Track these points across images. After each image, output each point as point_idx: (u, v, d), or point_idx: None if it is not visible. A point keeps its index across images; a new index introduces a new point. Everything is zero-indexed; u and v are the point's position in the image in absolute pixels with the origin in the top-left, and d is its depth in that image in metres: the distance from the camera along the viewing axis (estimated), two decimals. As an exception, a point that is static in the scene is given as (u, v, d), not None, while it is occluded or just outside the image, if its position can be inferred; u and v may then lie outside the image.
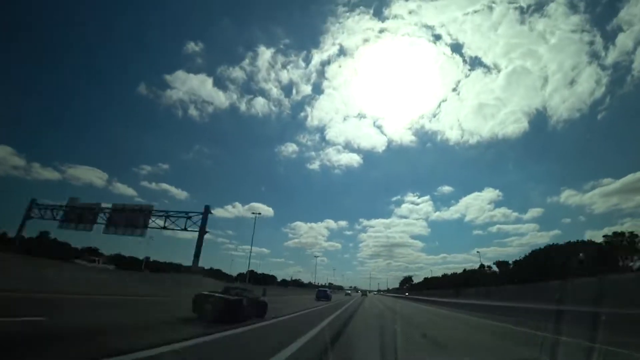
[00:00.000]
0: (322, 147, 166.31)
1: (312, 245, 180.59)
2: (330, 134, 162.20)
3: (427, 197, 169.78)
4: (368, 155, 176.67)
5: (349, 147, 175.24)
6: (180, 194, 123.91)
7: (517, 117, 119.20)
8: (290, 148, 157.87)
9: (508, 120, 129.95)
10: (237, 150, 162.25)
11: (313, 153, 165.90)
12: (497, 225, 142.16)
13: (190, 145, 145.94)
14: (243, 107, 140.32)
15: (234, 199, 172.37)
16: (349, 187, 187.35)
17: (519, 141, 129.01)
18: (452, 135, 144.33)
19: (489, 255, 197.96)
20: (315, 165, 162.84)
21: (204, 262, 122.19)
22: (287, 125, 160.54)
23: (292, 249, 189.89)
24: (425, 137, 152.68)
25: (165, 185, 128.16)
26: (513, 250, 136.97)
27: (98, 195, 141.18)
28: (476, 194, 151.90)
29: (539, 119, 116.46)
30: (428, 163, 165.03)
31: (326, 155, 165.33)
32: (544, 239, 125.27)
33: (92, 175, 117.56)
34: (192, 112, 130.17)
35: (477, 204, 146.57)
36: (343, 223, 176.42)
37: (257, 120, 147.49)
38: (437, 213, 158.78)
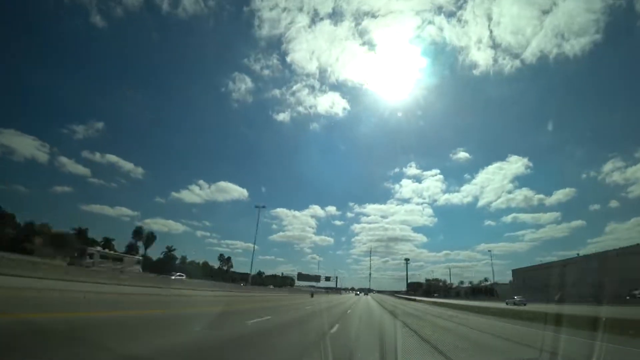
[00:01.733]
0: (287, 79, 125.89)
1: (300, 240, 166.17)
2: (293, 55, 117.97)
3: (434, 171, 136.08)
4: (355, 96, 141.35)
5: (325, 79, 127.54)
6: (134, 170, 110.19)
7: (586, 21, 73.47)
8: (242, 84, 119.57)
9: (572, 27, 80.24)
10: (174, 91, 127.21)
11: (276, 92, 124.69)
12: (513, 213, 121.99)
13: (114, 88, 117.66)
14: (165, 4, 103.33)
15: (196, 174, 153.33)
16: (334, 152, 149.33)
17: (580, 66, 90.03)
18: (480, 57, 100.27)
19: (496, 252, 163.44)
20: (284, 116, 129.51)
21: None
22: (227, 35, 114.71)
23: (280, 244, 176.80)
24: (439, 56, 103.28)
25: (112, 157, 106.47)
26: (523, 246, 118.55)
27: (44, 177, 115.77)
28: (498, 164, 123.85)
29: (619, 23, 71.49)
30: (440, 109, 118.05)
31: (295, 96, 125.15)
32: (562, 232, 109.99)
33: (29, 147, 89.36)
34: (96, 20, 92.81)
35: (497, 182, 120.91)
36: (332, 210, 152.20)
37: (188, 27, 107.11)
38: (446, 195, 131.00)
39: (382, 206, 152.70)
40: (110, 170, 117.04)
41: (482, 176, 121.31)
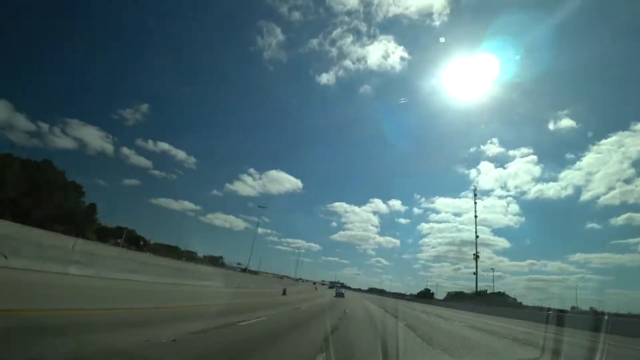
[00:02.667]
0: (323, 22, 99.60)
1: (363, 240, 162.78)
2: None
3: (524, 150, 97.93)
4: (414, 39, 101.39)
5: (371, 17, 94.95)
6: (187, 159, 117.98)
7: None
8: (272, 38, 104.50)
9: None
10: (202, 62, 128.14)
11: (314, 43, 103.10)
12: (628, 213, 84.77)
13: (160, 73, 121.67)
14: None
15: (245, 162, 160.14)
16: (391, 122, 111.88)
17: None
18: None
19: (593, 265, 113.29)
20: (328, 77, 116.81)
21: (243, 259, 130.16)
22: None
23: (342, 245, 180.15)
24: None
25: (165, 145, 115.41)
26: (635, 259, 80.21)
27: (111, 168, 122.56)
28: (617, 137, 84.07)
29: None
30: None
31: (337, 46, 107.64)
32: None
33: (96, 138, 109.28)
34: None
35: (611, 165, 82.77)
36: (395, 204, 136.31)
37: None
38: (539, 186, 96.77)
39: (455, 200, 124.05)
40: (167, 161, 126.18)
41: (592, 157, 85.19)
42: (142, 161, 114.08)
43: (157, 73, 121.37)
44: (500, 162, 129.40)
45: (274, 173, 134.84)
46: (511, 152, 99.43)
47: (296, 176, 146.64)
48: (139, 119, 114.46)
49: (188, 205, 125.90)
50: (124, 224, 78.51)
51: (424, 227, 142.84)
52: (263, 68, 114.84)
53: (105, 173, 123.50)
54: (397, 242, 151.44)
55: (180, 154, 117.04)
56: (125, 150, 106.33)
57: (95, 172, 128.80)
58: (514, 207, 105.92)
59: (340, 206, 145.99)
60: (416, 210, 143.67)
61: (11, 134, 77.28)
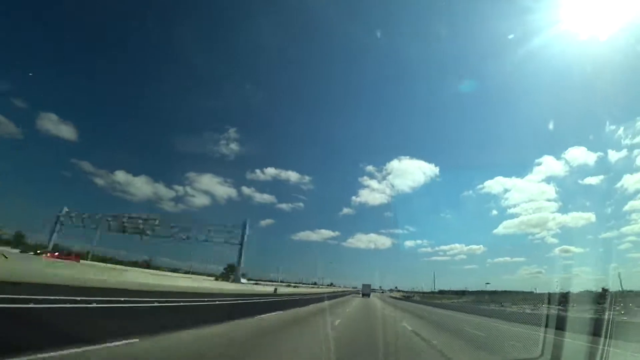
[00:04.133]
0: None
1: (538, 225, 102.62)
2: None
3: None
4: None
5: None
6: (301, 179, 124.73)
7: None
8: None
9: None
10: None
11: None
12: None
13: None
14: None
15: (359, 158, 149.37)
16: None
17: None
18: None
19: None
20: None
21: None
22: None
23: (510, 238, 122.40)
24: None
25: (272, 171, 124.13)
26: None
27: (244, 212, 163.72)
28: None
29: None
30: None
31: None
32: None
33: (215, 184, 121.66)
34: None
35: None
36: (578, 155, 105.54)
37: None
38: None
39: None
40: (283, 187, 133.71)
41: None
42: (266, 198, 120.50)
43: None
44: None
45: (396, 164, 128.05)
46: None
47: (427, 160, 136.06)
48: (235, 149, 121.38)
49: (326, 233, 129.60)
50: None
51: (631, 181, 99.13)
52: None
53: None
54: (590, 216, 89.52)
55: (292, 175, 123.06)
56: (245, 190, 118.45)
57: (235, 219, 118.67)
58: None
59: (495, 184, 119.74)
60: (614, 156, 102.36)
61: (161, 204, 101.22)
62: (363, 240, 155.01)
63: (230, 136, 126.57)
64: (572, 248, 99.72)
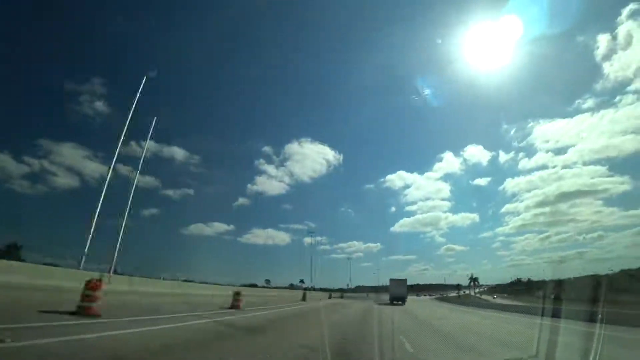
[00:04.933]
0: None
1: (431, 224, 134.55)
2: None
3: None
4: None
5: None
6: (190, 158, 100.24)
7: None
8: None
9: None
10: None
11: None
12: None
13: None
14: None
15: (258, 137, 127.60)
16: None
17: None
18: None
19: None
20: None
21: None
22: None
23: (405, 236, 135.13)
24: None
25: (153, 145, 77.72)
26: None
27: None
28: None
29: None
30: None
31: None
32: None
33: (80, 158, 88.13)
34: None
35: None
36: (475, 153, 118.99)
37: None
38: None
39: (564, 123, 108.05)
40: (168, 167, 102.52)
41: None
42: (148, 181, 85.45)
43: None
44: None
45: (296, 148, 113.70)
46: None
47: (331, 145, 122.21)
48: (102, 110, 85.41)
49: (221, 226, 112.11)
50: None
51: (510, 185, 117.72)
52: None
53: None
54: (475, 216, 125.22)
55: (178, 153, 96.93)
56: (121, 168, 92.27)
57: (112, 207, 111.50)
58: None
59: (397, 179, 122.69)
60: (503, 158, 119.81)
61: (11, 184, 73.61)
62: (261, 236, 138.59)
63: (96, 90, 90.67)
64: (455, 247, 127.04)
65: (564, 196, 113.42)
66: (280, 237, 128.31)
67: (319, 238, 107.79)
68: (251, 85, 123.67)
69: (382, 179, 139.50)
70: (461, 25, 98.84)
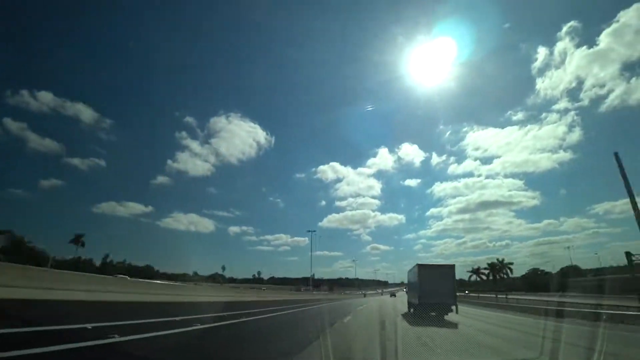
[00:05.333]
0: None
1: (359, 222, 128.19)
2: None
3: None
4: None
5: None
6: (99, 121, 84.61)
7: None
8: None
9: None
10: None
11: None
12: None
13: None
14: None
15: (180, 108, 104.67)
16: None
17: None
18: None
19: (616, 215, 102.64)
20: None
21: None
22: None
23: (333, 232, 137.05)
24: None
25: (49, 98, 77.74)
26: None
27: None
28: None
29: None
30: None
31: None
32: None
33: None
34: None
35: None
36: (410, 152, 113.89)
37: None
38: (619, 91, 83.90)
39: (495, 133, 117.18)
40: (71, 129, 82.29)
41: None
42: (48, 144, 72.53)
43: None
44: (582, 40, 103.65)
45: (223, 123, 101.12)
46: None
47: (262, 125, 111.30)
48: None
49: (137, 207, 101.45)
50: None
51: (438, 189, 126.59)
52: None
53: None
54: (402, 217, 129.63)
55: (85, 113, 79.37)
56: (10, 124, 68.83)
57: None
58: (571, 136, 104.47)
59: (330, 171, 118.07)
60: (435, 160, 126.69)
61: None
62: (183, 222, 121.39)
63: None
64: (380, 246, 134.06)
65: (484, 205, 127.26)
66: (204, 224, 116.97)
67: (244, 227, 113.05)
68: (176, 42, 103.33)
69: (314, 169, 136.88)
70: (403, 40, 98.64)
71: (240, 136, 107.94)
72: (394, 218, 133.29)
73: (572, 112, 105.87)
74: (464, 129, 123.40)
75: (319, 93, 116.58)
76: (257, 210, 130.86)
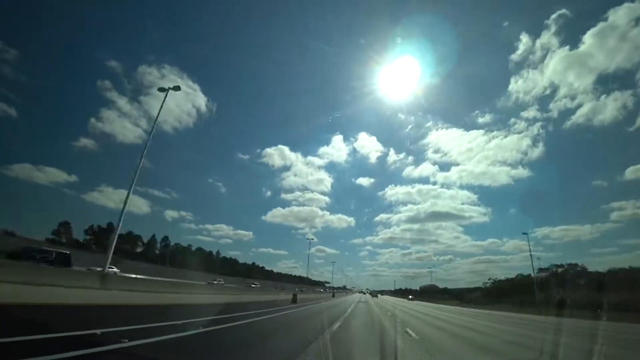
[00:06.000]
0: None
1: (306, 220, 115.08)
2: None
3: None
4: None
5: None
6: None
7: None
8: None
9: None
10: None
11: None
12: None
13: None
14: None
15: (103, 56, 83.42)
16: None
17: None
18: None
19: (554, 239, 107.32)
20: None
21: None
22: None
23: (278, 229, 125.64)
24: None
25: None
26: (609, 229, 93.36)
27: None
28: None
29: None
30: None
31: None
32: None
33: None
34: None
35: None
36: (366, 144, 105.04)
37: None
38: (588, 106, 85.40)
39: (459, 133, 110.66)
40: None
41: None
42: None
43: None
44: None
45: (154, 75, 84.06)
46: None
47: (203, 88, 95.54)
48: None
49: (57, 175, 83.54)
50: None
51: (390, 192, 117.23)
52: None
53: None
54: (352, 220, 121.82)
55: None
56: None
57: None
58: (536, 150, 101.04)
59: (277, 155, 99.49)
60: (392, 157, 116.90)
61: None
62: (113, 199, 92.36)
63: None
64: (326, 249, 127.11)
65: (434, 216, 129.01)
66: (137, 204, 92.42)
67: (183, 213, 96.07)
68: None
69: (260, 151, 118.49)
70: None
71: (176, 98, 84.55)
72: (342, 220, 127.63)
73: (539, 124, 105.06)
74: (427, 124, 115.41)
75: (272, 60, 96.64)
76: (196, 194, 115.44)
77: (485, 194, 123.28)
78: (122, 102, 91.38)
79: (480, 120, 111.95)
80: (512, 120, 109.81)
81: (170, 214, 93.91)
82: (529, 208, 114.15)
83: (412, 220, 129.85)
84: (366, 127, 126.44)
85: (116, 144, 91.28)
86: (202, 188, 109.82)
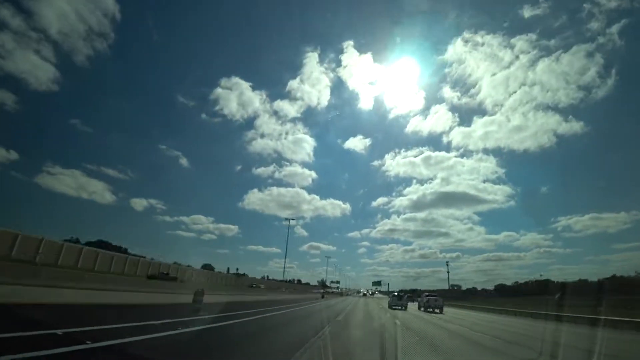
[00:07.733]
0: None
1: (292, 206, 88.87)
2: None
3: None
4: None
5: None
6: None
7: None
8: None
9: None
10: None
11: None
12: None
13: None
14: None
15: None
16: None
17: None
18: None
19: (578, 230, 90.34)
20: None
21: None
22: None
23: (260, 221, 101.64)
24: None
25: None
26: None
27: None
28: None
29: None
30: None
31: None
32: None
33: None
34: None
35: None
36: (359, 60, 78.03)
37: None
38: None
39: (499, 44, 73.76)
40: None
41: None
42: None
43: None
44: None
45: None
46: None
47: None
48: None
49: None
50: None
51: (390, 163, 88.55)
52: None
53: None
54: (347, 207, 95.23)
55: None
56: None
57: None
58: (607, 82, 61.45)
59: (235, 97, 70.59)
60: (392, 97, 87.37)
61: None
62: (67, 182, 76.79)
63: None
64: (321, 245, 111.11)
65: (446, 198, 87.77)
66: (94, 188, 72.85)
67: (153, 200, 73.58)
68: None
69: (208, 91, 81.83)
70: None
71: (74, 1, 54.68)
72: (335, 206, 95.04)
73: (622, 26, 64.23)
74: (448, 24, 75.78)
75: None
76: (154, 171, 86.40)
77: (515, 166, 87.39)
78: (5, 12, 58.90)
79: (528, 14, 62.37)
80: (579, 16, 60.05)
81: (138, 202, 72.41)
82: (571, 184, 79.54)
83: (416, 206, 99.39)
84: (354, 33, 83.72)
85: (30, 92, 68.63)
86: (159, 161, 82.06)
